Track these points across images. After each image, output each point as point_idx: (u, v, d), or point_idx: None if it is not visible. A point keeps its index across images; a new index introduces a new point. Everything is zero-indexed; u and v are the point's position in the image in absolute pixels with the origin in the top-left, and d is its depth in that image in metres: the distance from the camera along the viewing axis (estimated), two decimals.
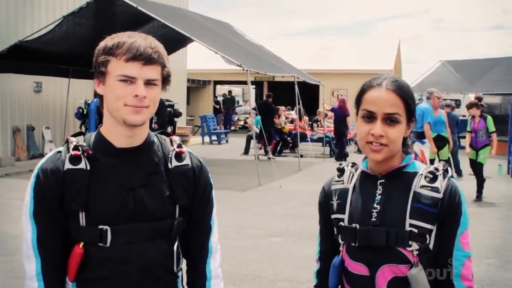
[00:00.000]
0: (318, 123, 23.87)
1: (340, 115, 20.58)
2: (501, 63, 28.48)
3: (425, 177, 2.12)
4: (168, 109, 19.59)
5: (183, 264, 2.31)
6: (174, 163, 2.17)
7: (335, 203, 2.27)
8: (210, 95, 37.23)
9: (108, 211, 2.04)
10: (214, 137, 27.34)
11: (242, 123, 38.74)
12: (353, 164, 2.34)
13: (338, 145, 20.92)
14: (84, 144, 2.09)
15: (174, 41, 19.52)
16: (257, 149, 19.06)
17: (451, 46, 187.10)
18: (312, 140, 22.20)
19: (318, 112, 24.36)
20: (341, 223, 2.22)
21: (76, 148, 2.06)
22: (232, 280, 6.72)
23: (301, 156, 19.55)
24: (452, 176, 2.15)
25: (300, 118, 21.38)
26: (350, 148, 23.07)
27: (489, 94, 27.24)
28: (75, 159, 2.04)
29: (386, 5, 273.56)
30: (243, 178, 15.25)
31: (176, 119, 20.69)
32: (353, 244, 2.17)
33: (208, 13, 22.72)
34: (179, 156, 2.19)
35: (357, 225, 2.15)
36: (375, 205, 2.15)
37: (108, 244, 2.04)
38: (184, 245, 2.26)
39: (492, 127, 12.42)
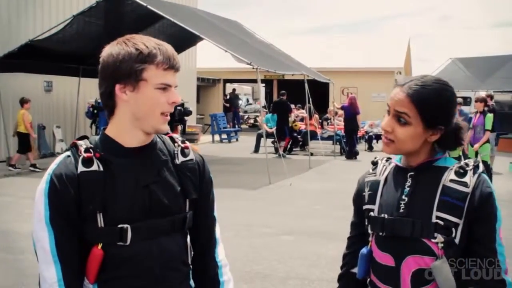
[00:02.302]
0: (328, 121, 23.83)
1: (350, 113, 20.52)
2: (511, 60, 28.35)
3: (455, 171, 2.14)
4: (178, 107, 19.66)
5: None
6: (181, 158, 2.21)
7: (366, 194, 2.33)
8: (220, 93, 37.27)
9: (126, 209, 2.06)
10: (224, 136, 27.37)
11: (252, 121, 38.77)
12: (388, 159, 2.40)
13: (348, 143, 20.87)
14: (93, 146, 2.11)
15: (184, 40, 19.56)
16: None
17: (459, 44, 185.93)
18: (322, 138, 22.17)
19: (329, 110, 24.32)
20: (371, 213, 2.28)
21: (87, 150, 2.07)
22: (243, 278, 6.72)
23: (311, 154, 19.51)
24: (483, 172, 2.16)
25: (311, 116, 21.35)
26: (360, 146, 23.04)
27: (499, 91, 27.15)
28: (87, 162, 2.05)
29: (393, 3, 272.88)
30: (253, 176, 15.25)
31: (186, 118, 20.75)
32: (380, 234, 2.23)
33: (217, 12, 22.80)
34: (183, 152, 2.23)
35: (386, 215, 2.21)
36: (403, 197, 2.19)
37: (128, 242, 2.05)
38: (193, 238, 2.30)
39: (488, 125, 12.42)
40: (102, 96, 2.14)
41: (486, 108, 12.99)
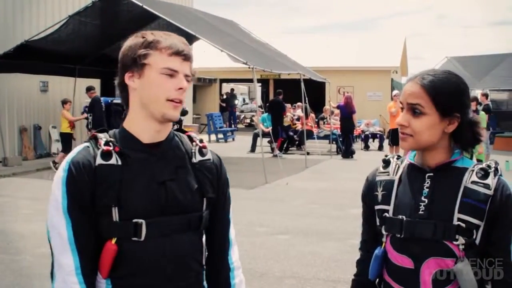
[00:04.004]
0: (325, 120, 23.87)
1: (346, 112, 20.55)
2: (507, 59, 28.48)
3: (477, 173, 2.12)
4: None
5: None
6: (198, 157, 2.21)
7: (379, 194, 2.27)
8: (216, 93, 37.26)
9: (141, 205, 2.05)
10: (220, 135, 27.38)
11: (248, 121, 38.78)
12: (398, 157, 2.35)
13: (344, 142, 20.91)
14: (112, 139, 2.11)
15: None
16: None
17: (456, 43, 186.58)
18: (319, 138, 22.21)
19: (324, 109, 24.36)
20: (386, 214, 2.23)
21: (107, 143, 2.07)
22: None
23: (308, 153, 19.55)
24: (501, 175, 2.14)
25: (307, 116, 21.36)
26: (357, 145, 23.06)
27: (496, 90, 27.23)
28: (106, 155, 2.05)
29: (389, 2, 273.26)
30: (249, 176, 15.25)
31: (182, 118, 20.72)
32: (398, 236, 2.18)
33: (213, 11, 22.65)
34: (201, 151, 2.23)
35: (404, 217, 2.16)
36: (422, 198, 2.16)
37: (142, 238, 2.04)
38: (207, 239, 2.30)
39: (483, 123, 12.47)
40: (118, 87, 2.17)
41: (478, 107, 13.08)
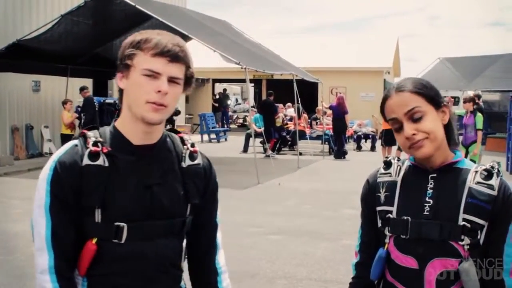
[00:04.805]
0: (317, 121, 23.88)
1: (339, 112, 20.56)
2: (499, 60, 28.55)
3: (480, 174, 2.14)
4: None
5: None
6: (188, 162, 2.19)
7: (382, 195, 2.27)
8: (209, 93, 37.22)
9: (126, 208, 2.04)
10: (213, 135, 27.35)
11: (241, 121, 38.79)
12: (399, 159, 2.35)
13: (337, 143, 20.92)
14: (102, 139, 2.08)
15: None
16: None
17: (449, 43, 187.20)
18: (311, 138, 22.21)
19: (317, 110, 24.38)
20: (389, 215, 2.23)
21: (95, 144, 2.05)
22: (231, 277, 6.67)
23: (300, 154, 19.57)
24: (502, 175, 2.17)
25: (300, 116, 21.37)
26: (349, 146, 23.09)
27: (487, 91, 27.28)
28: (93, 155, 2.03)
29: (382, 3, 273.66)
30: (242, 176, 15.24)
31: (175, 118, 20.73)
32: (404, 237, 2.18)
33: (206, 12, 22.72)
34: (192, 156, 2.22)
35: (409, 218, 2.17)
36: (427, 199, 2.16)
37: (122, 241, 2.04)
38: (193, 243, 2.29)
39: (479, 124, 12.48)
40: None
41: (475, 107, 13.10)
